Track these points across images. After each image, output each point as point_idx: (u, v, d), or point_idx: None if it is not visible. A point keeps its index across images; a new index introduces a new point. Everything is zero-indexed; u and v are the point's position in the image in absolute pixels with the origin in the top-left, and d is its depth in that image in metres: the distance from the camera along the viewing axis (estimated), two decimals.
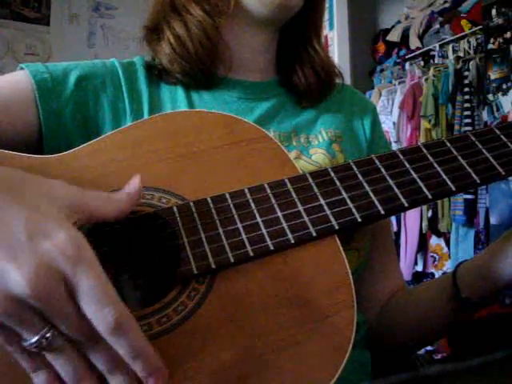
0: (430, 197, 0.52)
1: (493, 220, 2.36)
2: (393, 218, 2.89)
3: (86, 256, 0.37)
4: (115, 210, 0.44)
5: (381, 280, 0.75)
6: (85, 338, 0.37)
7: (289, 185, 0.53)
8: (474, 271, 0.61)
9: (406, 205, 0.52)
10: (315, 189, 0.53)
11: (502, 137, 0.56)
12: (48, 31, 3.47)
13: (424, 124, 2.71)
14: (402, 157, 0.55)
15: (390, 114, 3.01)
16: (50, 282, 0.35)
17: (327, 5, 3.28)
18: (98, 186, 0.51)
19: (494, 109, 2.41)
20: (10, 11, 3.37)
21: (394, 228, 2.90)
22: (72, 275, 0.36)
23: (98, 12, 3.64)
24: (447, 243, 2.67)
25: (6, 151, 0.54)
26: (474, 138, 0.56)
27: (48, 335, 0.36)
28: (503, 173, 0.53)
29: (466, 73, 2.55)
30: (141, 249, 0.50)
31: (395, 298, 0.74)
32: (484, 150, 0.55)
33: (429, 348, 2.27)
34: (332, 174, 0.54)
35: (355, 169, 0.54)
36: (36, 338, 0.36)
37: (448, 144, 0.56)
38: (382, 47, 3.41)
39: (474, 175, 0.53)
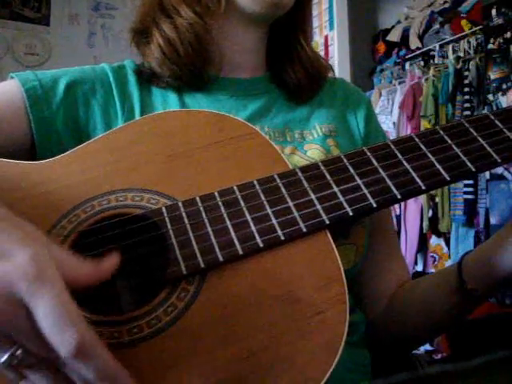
0: (423, 188, 0.51)
1: (493, 220, 2.35)
2: (393, 218, 2.89)
3: (46, 276, 0.35)
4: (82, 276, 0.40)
5: (385, 273, 0.75)
6: (53, 356, 0.36)
7: (278, 180, 0.52)
8: (479, 262, 0.61)
9: (399, 197, 0.50)
10: (305, 183, 0.52)
11: (497, 122, 0.54)
12: (48, 31, 3.47)
13: (424, 124, 2.71)
14: (393, 147, 0.54)
15: (389, 114, 3.01)
16: (6, 305, 0.35)
17: (327, 5, 3.28)
18: (88, 189, 0.52)
19: (494, 109, 2.41)
20: (10, 11, 3.38)
21: (394, 228, 2.90)
22: (29, 298, 0.35)
23: (97, 12, 3.65)
24: (447, 243, 2.66)
25: None
26: (468, 125, 0.54)
27: (18, 353, 0.36)
28: (499, 160, 0.52)
29: (466, 73, 2.55)
30: (130, 251, 0.49)
31: (401, 290, 0.73)
32: (479, 138, 0.53)
33: (429, 348, 2.28)
34: (322, 168, 0.53)
35: (346, 161, 0.53)
36: (6, 357, 0.36)
37: (441, 132, 0.54)
38: (382, 47, 3.40)
39: (468, 164, 0.51)
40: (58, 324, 0.34)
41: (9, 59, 3.33)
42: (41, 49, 3.45)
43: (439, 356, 2.06)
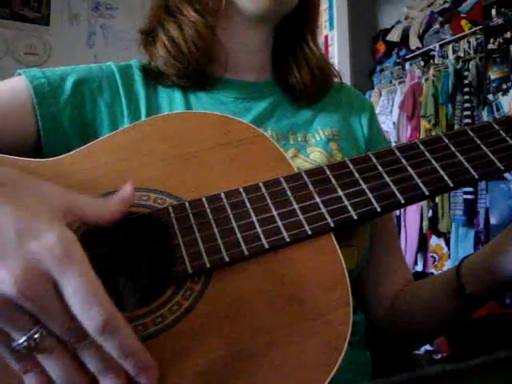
0: (427, 193, 0.51)
1: (493, 220, 2.36)
2: (394, 218, 2.89)
3: (74, 256, 0.37)
4: (107, 214, 0.44)
5: (388, 276, 0.75)
6: (75, 338, 0.37)
7: (284, 183, 0.52)
8: (478, 266, 0.61)
9: (403, 202, 0.51)
10: (310, 187, 0.52)
11: (500, 132, 0.55)
12: (48, 31, 3.47)
13: (424, 124, 2.71)
14: (398, 154, 0.54)
15: (390, 114, 3.01)
16: (37, 283, 0.36)
17: (327, 5, 3.28)
18: (94, 189, 0.52)
19: (494, 109, 2.41)
20: (10, 11, 3.37)
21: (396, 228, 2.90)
22: (59, 276, 0.36)
23: (97, 12, 3.64)
24: (447, 243, 2.67)
25: (3, 155, 0.54)
26: (472, 134, 0.55)
27: (36, 336, 0.36)
28: (502, 168, 0.52)
29: (466, 73, 2.55)
30: (137, 250, 0.50)
31: (403, 292, 0.74)
32: (482, 145, 0.54)
33: (429, 348, 2.28)
34: (327, 172, 0.53)
35: (351, 166, 0.54)
36: (24, 339, 0.36)
37: (446, 140, 0.55)
38: (382, 47, 3.41)
39: (472, 171, 0.52)
40: (86, 300, 0.36)
41: (9, 59, 3.33)
42: (41, 49, 3.45)
43: (439, 356, 2.06)
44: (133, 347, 0.37)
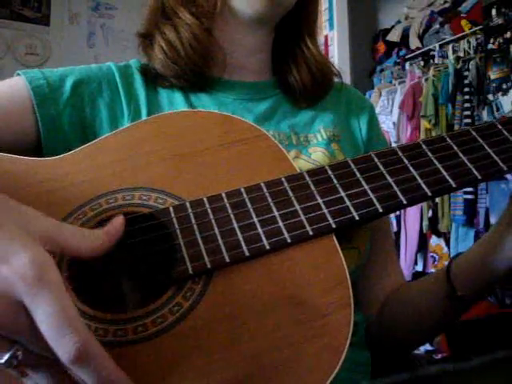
0: (429, 194, 0.51)
1: (493, 220, 2.36)
2: (393, 218, 2.89)
3: (47, 280, 0.35)
4: (89, 248, 0.41)
5: (381, 279, 0.75)
6: (56, 358, 0.35)
7: (285, 183, 0.52)
8: (467, 268, 0.61)
9: (405, 202, 0.51)
10: (312, 187, 0.52)
11: (504, 131, 0.54)
12: (48, 31, 3.47)
13: (424, 124, 2.71)
14: (401, 154, 0.54)
15: (389, 114, 3.01)
16: (6, 309, 0.35)
17: (327, 5, 3.28)
18: (96, 188, 0.52)
19: (494, 109, 2.41)
20: (10, 11, 3.38)
21: (394, 228, 2.90)
22: (29, 301, 0.34)
23: (97, 12, 3.65)
24: (447, 243, 2.67)
25: (2, 154, 0.54)
26: (475, 133, 0.55)
27: (18, 354, 0.35)
28: (505, 168, 0.52)
29: (466, 73, 2.55)
30: (137, 250, 0.49)
31: (394, 295, 0.73)
32: (486, 146, 0.53)
33: (429, 348, 2.28)
34: (329, 172, 0.53)
35: (353, 166, 0.53)
36: (6, 358, 0.35)
37: (449, 140, 0.55)
38: (382, 47, 3.41)
39: (475, 171, 0.52)
40: (57, 328, 0.34)
41: (9, 59, 3.33)
42: (41, 49, 3.45)
43: (439, 356, 2.05)
44: (108, 378, 0.35)
